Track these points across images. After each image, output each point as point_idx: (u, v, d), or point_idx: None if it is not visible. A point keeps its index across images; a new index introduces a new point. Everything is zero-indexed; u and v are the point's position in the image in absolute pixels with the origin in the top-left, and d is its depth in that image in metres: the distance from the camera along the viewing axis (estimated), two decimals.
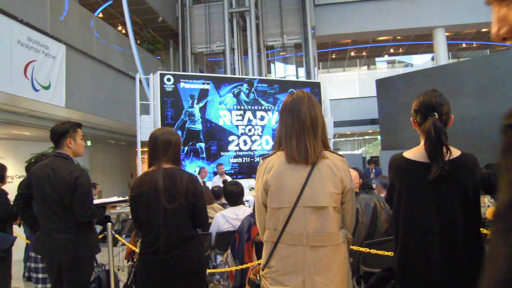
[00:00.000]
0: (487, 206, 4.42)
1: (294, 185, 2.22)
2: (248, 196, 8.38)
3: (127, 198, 4.05)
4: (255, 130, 12.32)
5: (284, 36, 16.85)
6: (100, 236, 4.44)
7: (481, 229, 2.35)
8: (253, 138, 12.30)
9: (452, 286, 2.16)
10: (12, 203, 5.10)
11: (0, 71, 7.57)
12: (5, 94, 7.82)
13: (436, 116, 2.24)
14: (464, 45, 26.11)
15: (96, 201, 3.81)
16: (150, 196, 2.83)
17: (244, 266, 4.02)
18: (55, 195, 3.42)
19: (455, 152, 2.24)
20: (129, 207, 8.69)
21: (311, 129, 2.28)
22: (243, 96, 12.16)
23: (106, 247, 4.65)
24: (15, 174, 10.95)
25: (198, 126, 11.37)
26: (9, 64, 7.78)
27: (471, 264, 2.16)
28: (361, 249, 3.79)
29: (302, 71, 17.38)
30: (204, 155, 11.46)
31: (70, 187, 3.41)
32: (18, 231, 6.13)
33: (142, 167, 11.13)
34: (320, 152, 2.27)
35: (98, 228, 8.72)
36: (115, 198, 3.99)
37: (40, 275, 4.51)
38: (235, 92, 12.06)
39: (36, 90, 8.56)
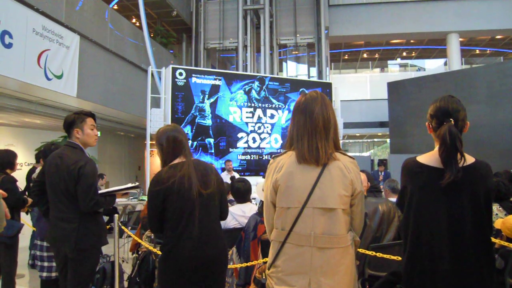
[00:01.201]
0: (495, 214, 4.39)
1: (304, 185, 2.21)
2: (255, 193, 8.37)
3: (137, 184, 4.05)
4: (264, 128, 12.32)
5: (297, 35, 16.83)
6: (107, 227, 4.45)
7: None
8: (262, 136, 12.30)
9: None
10: (20, 190, 5.15)
11: (14, 59, 7.61)
12: (18, 81, 7.86)
13: (452, 122, 2.23)
14: (477, 51, 26.00)
15: (105, 190, 3.81)
16: (184, 184, 2.83)
17: (249, 264, 4.02)
18: (61, 183, 3.44)
19: (469, 159, 2.22)
20: (135, 199, 8.62)
21: (323, 130, 2.27)
22: (254, 94, 12.15)
23: (112, 238, 4.67)
24: (25, 162, 11.00)
25: (208, 122, 11.38)
26: (23, 52, 7.82)
27: (480, 273, 2.14)
28: (367, 252, 3.78)
29: (314, 71, 17.36)
30: (213, 151, 11.46)
31: (74, 176, 3.41)
32: (25, 218, 6.17)
33: (150, 160, 11.15)
34: (331, 153, 2.26)
35: (105, 219, 8.75)
36: (129, 185, 3.97)
37: (45, 263, 4.52)
38: (246, 89, 12.06)
39: (49, 79, 8.59)
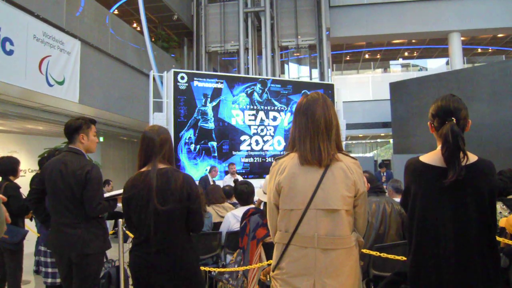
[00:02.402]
0: (499, 213, 4.38)
1: (307, 187, 2.20)
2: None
3: None
4: (267, 130, 12.31)
5: (299, 37, 16.81)
6: (111, 232, 4.45)
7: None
8: (265, 138, 12.29)
9: None
10: (24, 197, 5.15)
11: (16, 65, 7.62)
12: (19, 88, 7.87)
13: (454, 121, 2.22)
14: (479, 50, 25.95)
15: (107, 194, 3.81)
16: (143, 197, 2.72)
17: (252, 266, 4.01)
18: (66, 189, 3.44)
19: (472, 158, 2.22)
20: None
21: (325, 131, 2.26)
22: (256, 96, 12.14)
23: (117, 243, 4.67)
24: (28, 168, 11.00)
25: (211, 125, 11.38)
26: (24, 59, 7.83)
27: (485, 271, 2.14)
28: (372, 252, 3.77)
29: (315, 73, 17.35)
30: (216, 154, 11.46)
31: (81, 182, 3.43)
32: (30, 224, 6.17)
33: None
34: (334, 154, 2.25)
35: (110, 224, 8.73)
36: None
37: (50, 270, 4.52)
38: (248, 92, 12.06)
39: (50, 85, 8.60)
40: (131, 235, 5.35)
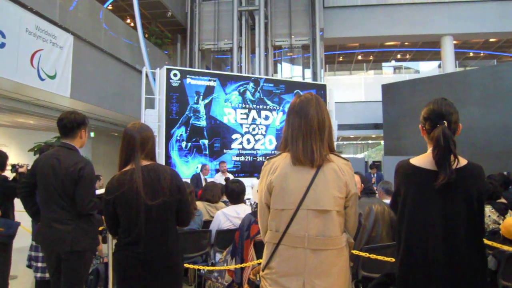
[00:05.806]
0: (488, 216, 4.47)
1: (298, 187, 2.20)
2: (249, 194, 8.37)
3: None
4: (259, 129, 12.32)
5: (292, 36, 16.83)
6: (101, 228, 4.43)
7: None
8: (257, 137, 12.30)
9: None
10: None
11: (7, 58, 7.57)
12: (10, 81, 7.82)
13: (446, 124, 2.24)
14: (471, 54, 26.10)
15: (99, 191, 3.78)
16: (132, 195, 2.69)
17: (243, 265, 4.02)
18: (58, 185, 3.40)
19: (462, 161, 2.23)
20: None
21: (318, 132, 2.27)
22: (248, 95, 12.15)
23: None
24: (17, 162, 10.94)
25: (203, 123, 11.37)
26: (16, 52, 7.78)
27: (473, 273, 2.15)
28: (361, 253, 3.79)
29: (308, 73, 17.37)
30: (207, 152, 11.46)
31: (74, 178, 3.39)
32: (22, 219, 6.14)
33: None
34: (326, 155, 2.25)
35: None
36: None
37: (40, 264, 4.50)
38: (241, 91, 12.06)
39: (42, 79, 8.56)
40: None
